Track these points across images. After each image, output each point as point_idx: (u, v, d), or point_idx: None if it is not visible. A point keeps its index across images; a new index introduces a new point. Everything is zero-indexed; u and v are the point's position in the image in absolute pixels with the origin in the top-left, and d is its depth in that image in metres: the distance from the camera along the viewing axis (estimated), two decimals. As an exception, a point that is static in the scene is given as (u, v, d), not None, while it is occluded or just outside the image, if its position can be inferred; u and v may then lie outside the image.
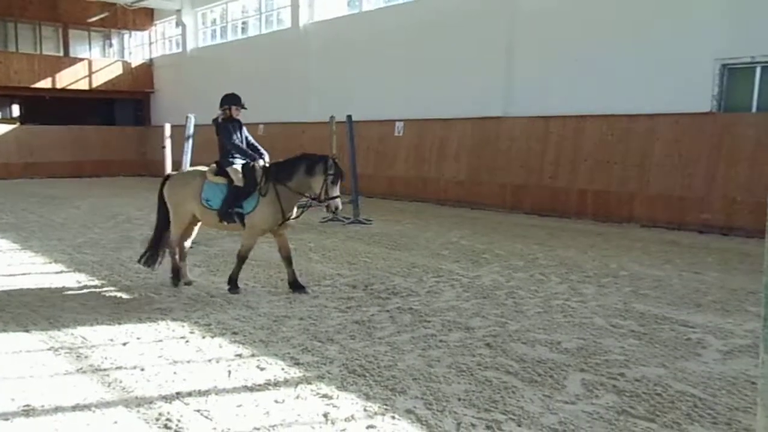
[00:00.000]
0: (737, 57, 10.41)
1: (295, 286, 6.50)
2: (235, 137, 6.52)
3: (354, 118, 11.96)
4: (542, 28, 12.94)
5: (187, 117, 10.17)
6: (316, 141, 14.86)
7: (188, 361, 4.43)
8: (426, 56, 15.31)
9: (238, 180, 6.38)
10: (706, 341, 4.93)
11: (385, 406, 3.68)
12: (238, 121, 6.65)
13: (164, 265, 6.91)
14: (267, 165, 6.49)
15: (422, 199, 15.05)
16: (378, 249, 8.95)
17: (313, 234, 10.29)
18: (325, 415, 3.56)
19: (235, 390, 3.92)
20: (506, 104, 13.69)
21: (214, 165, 6.59)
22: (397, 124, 16.13)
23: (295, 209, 6.54)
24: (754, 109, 10.49)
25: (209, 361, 4.45)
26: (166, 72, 26.53)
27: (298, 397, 3.82)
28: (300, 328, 5.20)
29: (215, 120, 6.65)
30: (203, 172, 6.66)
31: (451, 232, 10.37)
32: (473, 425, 3.45)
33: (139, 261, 6.91)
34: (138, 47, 28.16)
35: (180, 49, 25.36)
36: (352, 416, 3.55)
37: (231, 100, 6.64)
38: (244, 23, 22.91)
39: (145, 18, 27.28)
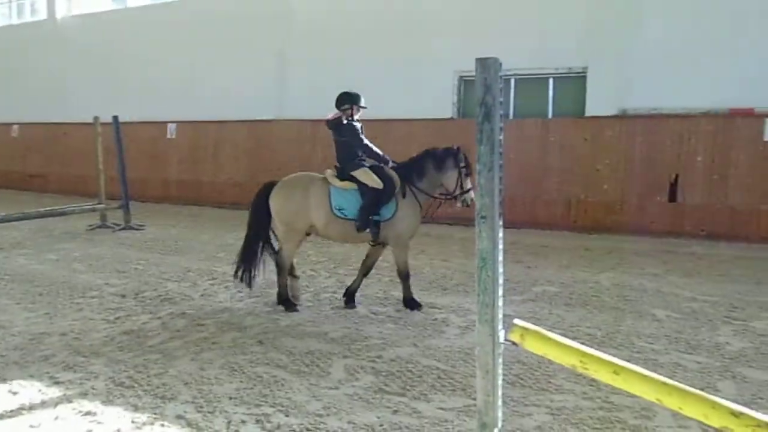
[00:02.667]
0: (472, 71, 11.62)
1: (409, 303, 5.80)
2: (364, 138, 5.84)
3: (122, 119, 11.16)
4: (313, 34, 13.21)
5: None
6: (80, 143, 13.57)
7: (-77, 395, 3.84)
8: (198, 57, 14.80)
9: (375, 183, 5.60)
10: (449, 320, 5.49)
11: (154, 415, 3.54)
12: (358, 121, 5.93)
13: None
14: (396, 166, 5.84)
15: (199, 202, 14.55)
16: (151, 255, 8.49)
17: (78, 242, 9.42)
18: (89, 433, 3.33)
19: (-18, 420, 3.49)
20: (279, 107, 13.78)
21: (332, 170, 5.83)
22: (170, 125, 15.39)
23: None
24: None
25: (-50, 391, 3.89)
26: None
27: (57, 418, 3.51)
28: (61, 345, 4.76)
29: (333, 121, 5.93)
30: (321, 177, 5.81)
31: (228, 235, 10.19)
32: (243, 422, 3.48)
33: (234, 276, 5.89)
34: None
35: None
36: (118, 430, 3.37)
37: (353, 99, 5.93)
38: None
39: None
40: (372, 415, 3.57)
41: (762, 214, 9.23)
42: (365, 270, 6.02)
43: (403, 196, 5.71)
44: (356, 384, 4.01)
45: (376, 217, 5.61)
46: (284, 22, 13.69)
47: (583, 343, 4.85)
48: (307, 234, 5.88)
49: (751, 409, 3.62)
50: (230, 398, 3.78)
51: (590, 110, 10.72)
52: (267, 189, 5.85)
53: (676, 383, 2.33)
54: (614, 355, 4.55)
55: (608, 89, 10.46)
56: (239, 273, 5.85)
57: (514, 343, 2.59)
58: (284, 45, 13.71)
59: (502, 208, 2.58)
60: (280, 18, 13.72)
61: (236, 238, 9.85)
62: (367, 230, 5.63)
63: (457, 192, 5.76)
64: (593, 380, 3.33)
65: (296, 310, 5.69)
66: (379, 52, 12.35)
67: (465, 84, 11.90)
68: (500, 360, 2.67)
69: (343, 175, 5.78)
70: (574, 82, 11.02)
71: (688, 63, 9.73)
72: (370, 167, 5.76)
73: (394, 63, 12.17)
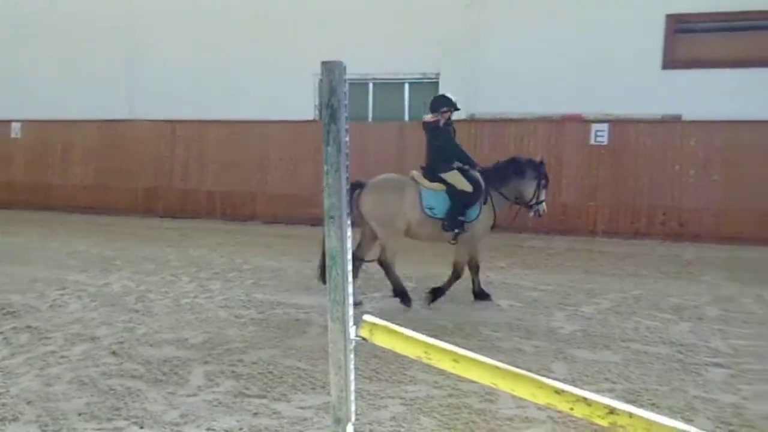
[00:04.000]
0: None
1: (478, 294, 5.99)
2: (457, 141, 5.89)
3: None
4: (164, 34, 12.62)
5: None
6: None
7: None
8: (43, 53, 13.59)
9: (464, 186, 5.70)
10: (312, 320, 5.51)
11: (-10, 440, 3.24)
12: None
13: None
14: (481, 170, 5.89)
15: (48, 206, 13.36)
16: (-10, 265, 7.71)
17: None
18: None
19: None
20: (132, 106, 13.02)
21: (417, 171, 5.89)
22: (14, 125, 14.01)
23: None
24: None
25: None
26: None
27: None
28: None
29: (430, 123, 5.91)
30: (410, 179, 5.87)
31: (80, 241, 9.48)
32: (93, 438, 3.28)
33: (319, 279, 5.75)
34: None
35: None
36: (-53, 460, 3.04)
37: (450, 103, 5.91)
38: None
39: None
40: (232, 420, 3.51)
41: (590, 209, 10.16)
42: (475, 270, 6.08)
43: (486, 200, 5.84)
44: (216, 390, 3.91)
45: (461, 218, 5.71)
46: (131, 18, 12.95)
47: (435, 335, 5.10)
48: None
49: (577, 385, 3.99)
50: (79, 414, 3.54)
51: (444, 114, 11.20)
52: (353, 191, 5.68)
53: (508, 367, 2.51)
54: (463, 344, 4.81)
55: (458, 95, 10.92)
56: (323, 273, 5.53)
57: (364, 339, 2.66)
58: (134, 41, 12.96)
59: (349, 208, 2.65)
60: (127, 14, 12.96)
61: (88, 244, 9.24)
62: (455, 230, 5.72)
63: (533, 201, 5.95)
64: (444, 369, 3.51)
65: (409, 306, 5.79)
66: (239, 52, 12.06)
67: (327, 88, 11.95)
68: (352, 356, 2.73)
69: (433, 176, 5.84)
70: (428, 88, 11.45)
71: (527, 73, 10.46)
72: (459, 170, 5.82)
73: (255, 64, 11.94)
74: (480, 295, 6.06)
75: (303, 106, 11.81)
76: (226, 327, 5.25)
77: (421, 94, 11.57)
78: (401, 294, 5.87)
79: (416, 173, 5.98)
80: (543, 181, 6.00)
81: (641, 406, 3.67)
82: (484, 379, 2.51)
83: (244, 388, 3.94)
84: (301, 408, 3.67)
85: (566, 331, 5.18)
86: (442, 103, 5.96)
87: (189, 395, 3.82)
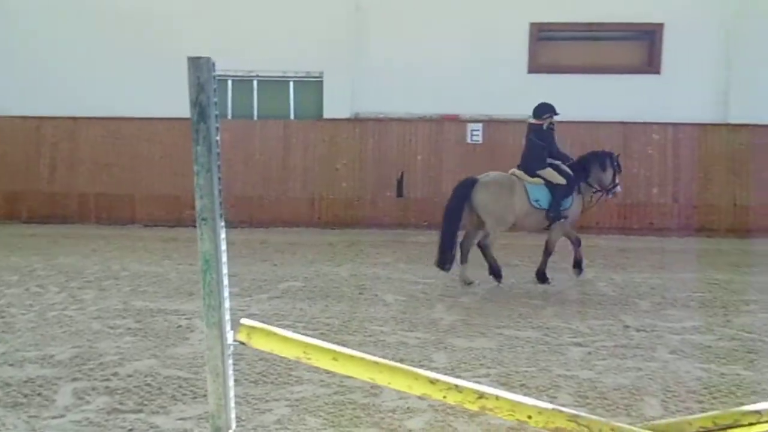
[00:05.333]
0: (219, 70, 11.32)
1: (541, 276, 6.77)
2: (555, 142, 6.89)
3: None
4: (33, 27, 11.59)
5: None
6: None
7: None
8: None
9: (559, 180, 6.61)
10: (194, 325, 5.31)
11: None
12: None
13: None
14: (570, 164, 6.83)
15: None
16: None
17: None
18: None
19: None
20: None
21: (516, 169, 6.78)
22: None
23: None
24: (229, 116, 11.61)
25: None
26: None
27: None
28: None
29: (535, 126, 6.79)
30: (514, 176, 6.73)
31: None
32: (-57, 471, 2.96)
33: (437, 265, 6.60)
34: None
35: None
36: None
37: (552, 109, 6.78)
38: None
39: None
40: (105, 437, 3.30)
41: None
42: (548, 251, 6.87)
43: (578, 190, 6.81)
44: (86, 408, 3.65)
45: (561, 208, 6.62)
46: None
47: (322, 333, 5.11)
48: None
49: (456, 372, 4.15)
50: (-74, 447, 3.19)
51: (327, 113, 11.22)
52: (466, 187, 6.62)
53: (386, 362, 2.55)
54: (350, 341, 4.90)
55: (342, 94, 11.06)
56: (440, 261, 6.57)
57: (242, 343, 2.60)
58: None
59: (223, 209, 2.57)
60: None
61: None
62: (560, 219, 6.64)
63: (610, 186, 6.95)
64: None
65: (500, 281, 6.65)
66: (123, 45, 11.30)
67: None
68: (230, 361, 2.66)
69: (531, 173, 6.69)
70: (313, 87, 11.42)
71: (408, 75, 10.71)
72: (552, 166, 6.73)
73: (135, 59, 11.25)
74: (541, 277, 6.84)
75: (188, 103, 11.31)
76: (99, 339, 4.93)
77: (305, 92, 11.51)
78: (496, 273, 6.68)
79: (518, 171, 6.82)
80: (617, 168, 7.04)
81: (512, 387, 3.89)
82: (363, 374, 2.54)
83: (118, 403, 3.72)
84: (182, 419, 3.52)
85: (446, 321, 5.36)
86: (545, 110, 6.86)
87: (54, 417, 3.53)
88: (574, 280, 6.93)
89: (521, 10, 10.53)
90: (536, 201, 6.60)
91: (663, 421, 2.57)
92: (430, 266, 7.68)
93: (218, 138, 2.57)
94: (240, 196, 11.02)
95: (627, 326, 5.21)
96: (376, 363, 2.53)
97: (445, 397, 2.45)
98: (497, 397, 2.42)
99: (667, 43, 10.39)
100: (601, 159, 6.99)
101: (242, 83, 11.56)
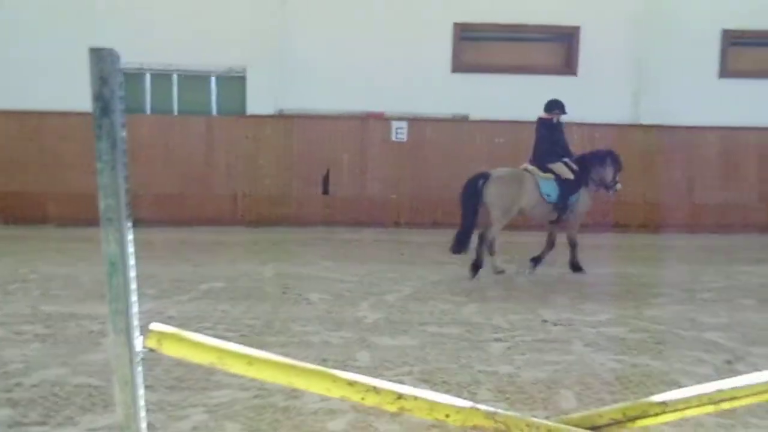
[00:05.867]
0: (134, 64, 10.86)
1: (575, 266, 7.20)
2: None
3: None
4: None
5: None
6: None
7: None
8: None
9: (568, 175, 7.00)
10: (107, 330, 5.04)
11: None
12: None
13: None
14: (575, 160, 7.16)
15: None
16: None
17: None
18: None
19: None
20: None
21: (529, 164, 7.13)
22: None
23: None
24: (147, 111, 11.15)
25: None
26: None
27: None
28: None
29: (546, 120, 7.21)
30: (525, 170, 7.07)
31: None
32: None
33: (451, 251, 6.91)
34: None
35: None
36: None
37: (561, 106, 7.24)
38: None
39: None
40: (4, 454, 3.07)
41: (393, 202, 10.67)
42: (570, 244, 7.29)
43: (585, 185, 7.17)
44: (-16, 421, 3.40)
45: (569, 201, 7.02)
46: None
47: (243, 335, 4.99)
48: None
49: (379, 371, 4.14)
50: None
51: (251, 109, 10.98)
52: (477, 180, 6.93)
53: (303, 364, 2.49)
54: (272, 342, 4.80)
55: (266, 90, 10.85)
56: (454, 247, 6.90)
57: (152, 350, 2.47)
58: None
59: (130, 209, 2.43)
60: None
61: None
62: (567, 211, 7.05)
63: (611, 183, 7.23)
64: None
65: (476, 275, 6.91)
66: (32, 34, 10.61)
67: (126, 77, 11.04)
68: (140, 369, 2.52)
69: (543, 167, 7.06)
70: (236, 83, 11.14)
71: (333, 71, 10.64)
72: (561, 161, 7.10)
73: (47, 49, 10.59)
74: (575, 267, 7.26)
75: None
76: (3, 347, 4.60)
77: (228, 88, 11.21)
78: (475, 266, 6.94)
79: (530, 167, 7.18)
80: (618, 166, 7.30)
81: (434, 384, 3.92)
82: (280, 378, 2.47)
83: (21, 416, 3.47)
84: (91, 430, 3.33)
85: (370, 319, 5.35)
86: (555, 106, 7.30)
87: (-51, 432, 3.27)
88: (496, 276, 7.08)
89: (445, 9, 10.66)
90: (547, 195, 7.03)
91: (576, 414, 2.64)
92: (355, 263, 7.67)
93: (124, 134, 2.42)
94: (159, 194, 10.62)
95: (545, 321, 5.36)
96: (293, 366, 2.47)
97: (363, 398, 2.42)
98: (415, 398, 2.40)
99: (584, 45, 10.80)
100: (601, 157, 7.29)
101: (161, 77, 11.13)
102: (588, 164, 7.26)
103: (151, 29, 10.50)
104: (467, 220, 6.90)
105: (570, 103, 10.54)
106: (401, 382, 3.94)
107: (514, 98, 10.51)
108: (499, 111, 10.51)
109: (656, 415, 2.56)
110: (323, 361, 4.32)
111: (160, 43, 10.50)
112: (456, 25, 10.71)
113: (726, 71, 10.90)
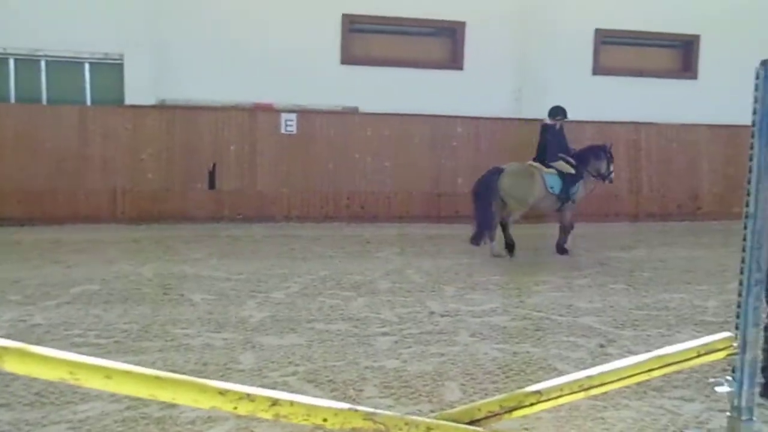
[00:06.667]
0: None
1: (561, 249, 8.12)
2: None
3: None
4: None
5: None
6: None
7: None
8: None
9: (568, 170, 7.99)
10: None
11: None
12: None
13: None
14: (574, 155, 8.16)
15: None
16: None
17: None
18: None
19: None
20: None
21: (534, 162, 8.08)
22: None
23: None
24: (12, 100, 10.19)
25: None
26: None
27: None
28: None
29: (549, 125, 8.17)
30: (532, 166, 8.02)
31: None
32: None
33: (471, 242, 7.77)
34: None
35: None
36: None
37: (564, 112, 8.16)
38: None
39: None
40: None
41: (283, 196, 10.43)
42: (562, 229, 8.27)
43: (582, 177, 8.06)
44: None
45: (570, 193, 7.99)
46: None
47: (117, 341, 4.64)
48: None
49: (264, 373, 3.98)
50: None
51: (129, 99, 10.30)
52: (493, 175, 7.78)
53: (168, 375, 2.30)
54: (148, 348, 4.49)
55: (146, 79, 10.22)
56: (474, 238, 7.74)
57: (-10, 369, 2.18)
58: None
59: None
60: None
61: None
62: (570, 201, 8.03)
63: (606, 173, 8.14)
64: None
65: (512, 255, 7.85)
66: None
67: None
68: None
69: (546, 164, 7.96)
70: (112, 70, 10.40)
71: (218, 61, 10.20)
72: (562, 159, 8.00)
73: None
74: (561, 250, 8.12)
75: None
76: None
77: (104, 76, 10.44)
78: (511, 247, 7.86)
79: (535, 163, 8.05)
80: (610, 158, 8.18)
81: (320, 384, 3.82)
82: (142, 392, 2.25)
83: None
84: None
85: (256, 319, 5.16)
86: (558, 112, 8.18)
87: None
88: (384, 269, 7.10)
89: (334, 0, 10.52)
90: (551, 188, 7.89)
91: (455, 409, 2.63)
92: (243, 260, 7.40)
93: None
94: (28, 190, 9.74)
95: (432, 312, 5.42)
96: (157, 378, 2.26)
97: (236, 408, 2.27)
98: (292, 403, 2.29)
99: (469, 41, 11.06)
100: (596, 151, 8.21)
101: (28, 63, 10.19)
102: (585, 159, 8.17)
103: (16, 10, 9.57)
104: (485, 213, 7.68)
105: (456, 97, 10.87)
106: (286, 383, 3.84)
107: (404, 91, 10.60)
108: (389, 104, 10.55)
109: (532, 405, 2.60)
110: (204, 366, 4.11)
111: (26, 24, 9.60)
112: (345, 16, 10.61)
113: (599, 69, 11.59)
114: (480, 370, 4.09)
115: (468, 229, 10.04)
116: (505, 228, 7.88)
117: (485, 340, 4.73)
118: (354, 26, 10.73)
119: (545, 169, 8.00)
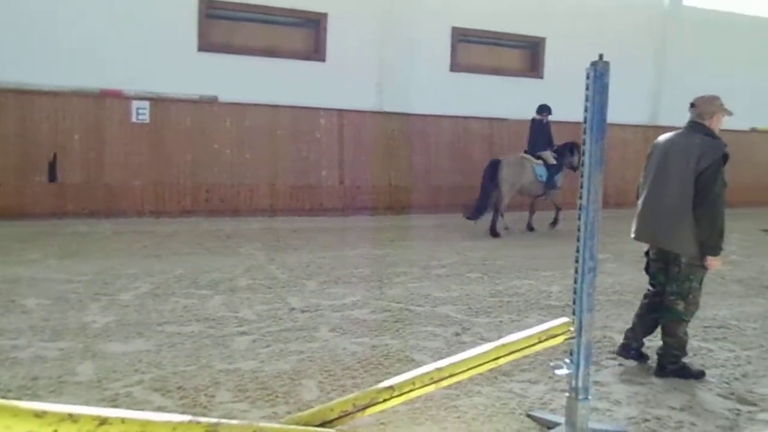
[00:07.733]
0: None
1: (554, 223, 9.88)
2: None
3: None
4: None
5: None
6: None
7: None
8: None
9: (552, 161, 9.51)
10: None
11: None
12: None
13: None
14: (555, 149, 9.73)
15: None
16: None
17: None
18: None
19: None
20: None
21: (523, 153, 9.66)
22: None
23: None
24: None
25: None
26: None
27: None
28: None
29: (537, 120, 9.71)
30: (524, 157, 9.54)
31: None
32: None
33: (467, 217, 9.31)
34: None
35: None
36: None
37: (549, 110, 9.69)
38: None
39: None
40: None
41: (135, 189, 9.71)
42: (533, 211, 10.06)
43: (562, 168, 9.61)
44: None
45: (555, 180, 9.57)
46: None
47: None
48: None
49: (104, 384, 3.63)
50: None
51: (-50, 82, 9.04)
52: (495, 164, 9.39)
53: (-27, 400, 1.98)
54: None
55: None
56: (470, 215, 9.30)
57: None
58: None
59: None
60: None
61: None
62: (555, 188, 9.60)
63: (576, 165, 8.60)
64: None
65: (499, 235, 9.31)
66: None
67: None
68: None
69: (534, 155, 9.50)
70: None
71: (59, 41, 9.22)
72: (547, 150, 9.57)
73: None
74: (554, 223, 9.82)
75: None
76: None
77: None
78: (493, 231, 9.30)
79: (526, 155, 9.55)
80: (578, 153, 8.33)
81: (168, 391, 3.57)
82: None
83: None
84: None
85: (99, 324, 4.72)
86: (544, 109, 9.67)
87: None
88: (245, 265, 6.85)
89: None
90: (540, 176, 9.39)
91: (306, 411, 2.55)
92: (88, 260, 6.79)
93: None
94: None
95: (293, 308, 5.28)
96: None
97: (56, 431, 2.01)
98: (123, 420, 2.06)
99: (331, 32, 10.96)
100: (570, 146, 9.57)
101: None
102: (563, 153, 9.65)
103: None
104: (487, 196, 9.25)
105: (319, 88, 10.75)
106: (129, 395, 3.54)
107: (265, 81, 10.29)
108: (250, 94, 10.20)
109: (385, 401, 2.58)
110: (33, 381, 3.67)
111: None
112: (201, 1, 10.06)
113: (456, 66, 12.00)
114: (339, 366, 4.04)
115: (334, 222, 10.04)
116: (495, 211, 9.37)
117: (345, 334, 4.69)
118: (212, 12, 10.22)
119: (534, 161, 9.51)
